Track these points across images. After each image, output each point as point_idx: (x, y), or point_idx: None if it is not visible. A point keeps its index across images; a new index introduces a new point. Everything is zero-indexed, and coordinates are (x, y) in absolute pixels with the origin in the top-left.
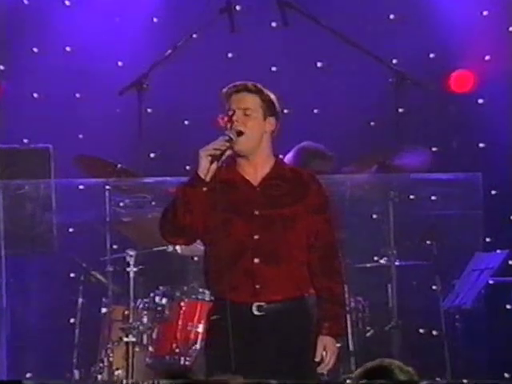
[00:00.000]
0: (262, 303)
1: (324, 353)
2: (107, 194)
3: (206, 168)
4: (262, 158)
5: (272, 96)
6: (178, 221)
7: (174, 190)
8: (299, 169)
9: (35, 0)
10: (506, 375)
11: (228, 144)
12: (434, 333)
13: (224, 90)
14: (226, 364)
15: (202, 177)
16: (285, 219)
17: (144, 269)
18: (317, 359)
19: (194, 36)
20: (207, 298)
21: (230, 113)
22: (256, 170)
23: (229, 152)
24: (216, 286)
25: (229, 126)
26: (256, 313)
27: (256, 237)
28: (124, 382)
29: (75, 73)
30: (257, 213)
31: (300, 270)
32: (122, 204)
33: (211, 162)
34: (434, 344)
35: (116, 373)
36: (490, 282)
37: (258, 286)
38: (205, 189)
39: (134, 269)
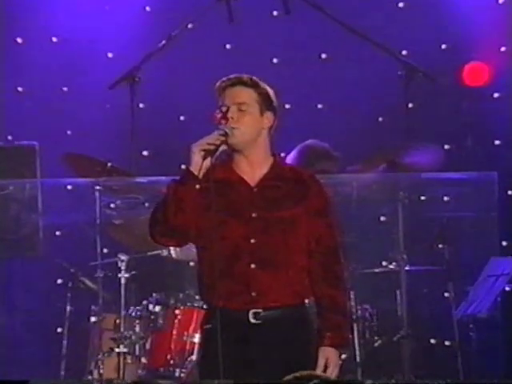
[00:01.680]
0: (259, 310)
1: (326, 365)
2: (97, 194)
3: (198, 164)
4: (259, 155)
5: (269, 89)
6: (169, 220)
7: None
8: (299, 169)
9: None
10: None
11: (223, 138)
12: (447, 343)
13: (217, 83)
14: (219, 375)
15: (195, 173)
16: (283, 222)
17: (136, 274)
18: (318, 371)
19: (190, 26)
20: (204, 306)
21: (224, 108)
22: (253, 168)
23: (223, 147)
24: (209, 292)
25: (223, 122)
26: (252, 321)
27: (253, 241)
28: None
29: (62, 65)
30: (254, 215)
31: (299, 276)
32: (112, 205)
33: (204, 158)
34: (447, 355)
35: None
36: (507, 288)
37: (254, 294)
38: (197, 186)
39: (126, 274)
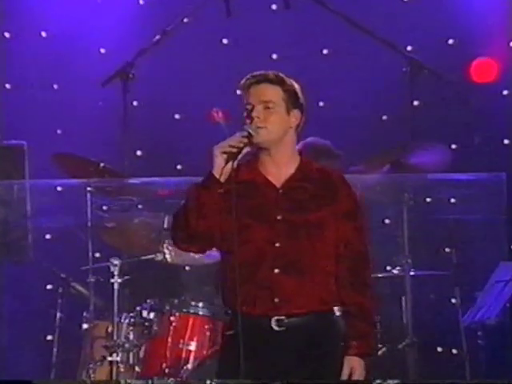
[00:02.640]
0: (282, 317)
1: (350, 374)
2: (89, 196)
3: (220, 167)
4: (286, 155)
5: (296, 86)
6: (191, 227)
7: (164, 192)
8: (328, 169)
9: None
10: None
11: (246, 141)
12: (454, 351)
13: (242, 81)
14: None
15: (217, 177)
16: (310, 226)
17: (130, 280)
18: (342, 379)
19: (186, 20)
20: (200, 312)
21: (249, 107)
22: (279, 169)
23: (247, 149)
24: (231, 297)
25: (248, 121)
26: (275, 328)
27: (277, 244)
28: None
29: (52, 61)
30: (279, 218)
31: (326, 282)
32: (104, 207)
33: (227, 161)
34: (454, 364)
35: None
36: None
37: (277, 300)
38: (220, 190)
39: (119, 280)
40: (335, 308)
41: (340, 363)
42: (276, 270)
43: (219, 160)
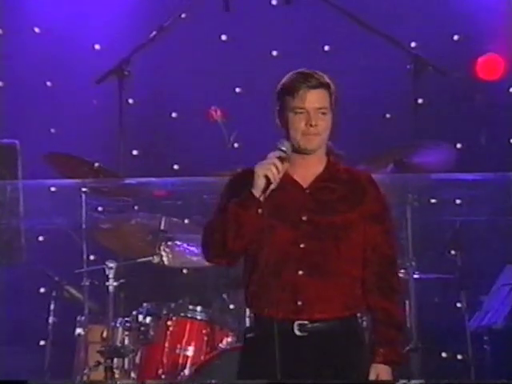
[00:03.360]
0: (305, 322)
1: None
2: (83, 197)
3: (261, 188)
4: (317, 157)
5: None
6: (227, 245)
7: (160, 193)
8: (355, 170)
9: None
10: None
11: (285, 163)
12: (459, 357)
13: (288, 81)
14: None
15: (257, 196)
16: (336, 228)
17: (125, 283)
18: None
19: (183, 16)
20: (198, 317)
21: (301, 111)
22: (307, 169)
23: (286, 167)
24: (255, 300)
25: (302, 127)
26: (298, 333)
27: (302, 246)
28: None
29: (45, 57)
30: (304, 218)
31: (352, 286)
32: (100, 208)
33: (267, 184)
34: (459, 370)
35: None
36: None
37: (300, 303)
38: (260, 211)
39: (114, 283)
40: (359, 314)
41: (363, 371)
42: (300, 272)
43: (261, 181)
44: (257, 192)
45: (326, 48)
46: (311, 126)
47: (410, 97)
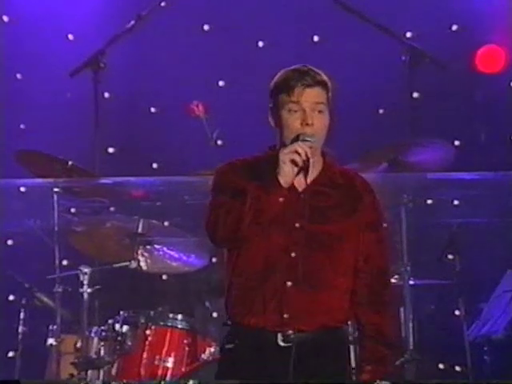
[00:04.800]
0: (289, 332)
1: None
2: (55, 197)
3: (289, 175)
4: (313, 158)
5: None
6: (241, 230)
7: (138, 193)
8: (351, 172)
9: None
10: None
11: (311, 151)
12: (457, 368)
13: (282, 78)
14: None
15: (283, 184)
16: (331, 237)
17: (101, 289)
18: None
19: (163, 4)
20: (179, 325)
21: (297, 108)
22: (305, 175)
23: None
24: (235, 307)
25: (298, 126)
26: (281, 344)
27: (293, 254)
28: None
29: (15, 48)
30: (297, 225)
31: (342, 300)
32: (73, 210)
33: (298, 173)
34: (457, 382)
35: None
36: None
37: (286, 316)
38: (281, 199)
39: (89, 289)
40: (346, 325)
41: (350, 382)
42: (288, 283)
43: (287, 168)
44: (282, 178)
45: (316, 38)
46: (307, 124)
47: (405, 91)
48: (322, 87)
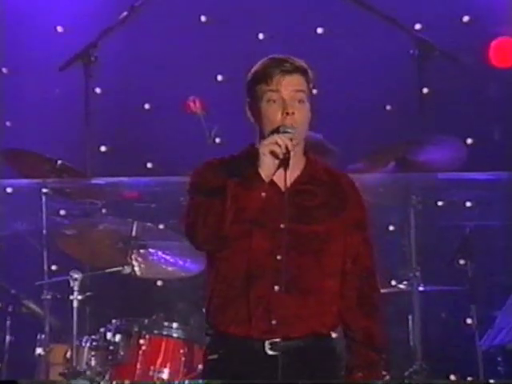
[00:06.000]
0: (277, 339)
1: None
2: (44, 198)
3: (269, 168)
4: (296, 155)
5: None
6: (222, 229)
7: (132, 194)
8: (334, 170)
9: None
10: None
11: (292, 143)
12: (470, 379)
13: (259, 67)
14: None
15: (264, 178)
16: (318, 238)
17: (92, 296)
18: None
19: None
20: (174, 334)
21: (276, 97)
22: (285, 170)
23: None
24: (218, 314)
25: (278, 117)
26: (270, 352)
27: (279, 257)
28: None
29: (1, 41)
30: (282, 226)
31: (331, 303)
32: (63, 212)
33: (278, 166)
34: None
35: None
36: None
37: (274, 322)
38: (263, 194)
39: (79, 296)
40: (335, 331)
41: None
42: (276, 288)
43: (268, 159)
44: (264, 172)
45: (319, 31)
46: (287, 114)
47: (414, 86)
48: (302, 74)
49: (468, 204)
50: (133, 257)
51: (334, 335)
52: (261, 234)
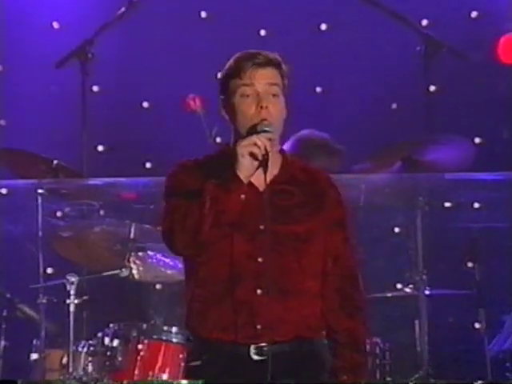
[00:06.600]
0: (263, 344)
1: None
2: (39, 199)
3: (247, 169)
4: (272, 153)
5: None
6: (201, 233)
7: (130, 195)
8: (312, 168)
9: None
10: None
11: (270, 143)
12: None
13: (234, 61)
14: None
15: (243, 179)
16: (298, 238)
17: (89, 300)
18: None
19: None
20: (173, 339)
21: (250, 92)
22: (264, 171)
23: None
24: (200, 320)
25: (252, 112)
26: (255, 357)
27: (260, 260)
28: None
29: None
30: (262, 227)
31: (314, 304)
32: (59, 213)
33: (257, 167)
34: None
35: None
36: None
37: (259, 326)
38: (242, 196)
39: (76, 300)
40: (321, 334)
41: None
42: (258, 291)
43: (247, 161)
44: (242, 173)
45: (323, 27)
46: (261, 108)
47: (421, 84)
48: (276, 68)
49: (476, 205)
50: (131, 259)
51: (320, 337)
52: (241, 237)
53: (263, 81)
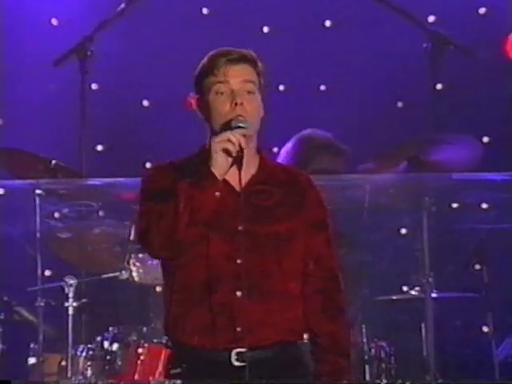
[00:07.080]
0: (244, 350)
1: None
2: (37, 200)
3: (222, 166)
4: (249, 152)
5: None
6: (177, 233)
7: (130, 196)
8: (292, 169)
9: None
10: None
11: (244, 139)
12: None
13: (207, 59)
14: None
15: (217, 176)
16: (277, 239)
17: (88, 303)
18: None
19: None
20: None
21: (224, 89)
22: (239, 169)
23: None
24: (178, 325)
25: (227, 109)
26: (236, 363)
27: (239, 261)
28: None
29: None
30: (240, 228)
31: (296, 306)
32: (57, 214)
33: (232, 164)
34: None
35: None
36: None
37: (239, 329)
38: (217, 194)
39: (75, 303)
40: (304, 337)
41: None
42: (238, 293)
43: (220, 158)
44: (217, 170)
45: (328, 23)
46: (236, 104)
47: (427, 82)
48: (250, 64)
49: (484, 206)
50: (131, 261)
51: (303, 341)
52: (218, 238)
53: (238, 78)
